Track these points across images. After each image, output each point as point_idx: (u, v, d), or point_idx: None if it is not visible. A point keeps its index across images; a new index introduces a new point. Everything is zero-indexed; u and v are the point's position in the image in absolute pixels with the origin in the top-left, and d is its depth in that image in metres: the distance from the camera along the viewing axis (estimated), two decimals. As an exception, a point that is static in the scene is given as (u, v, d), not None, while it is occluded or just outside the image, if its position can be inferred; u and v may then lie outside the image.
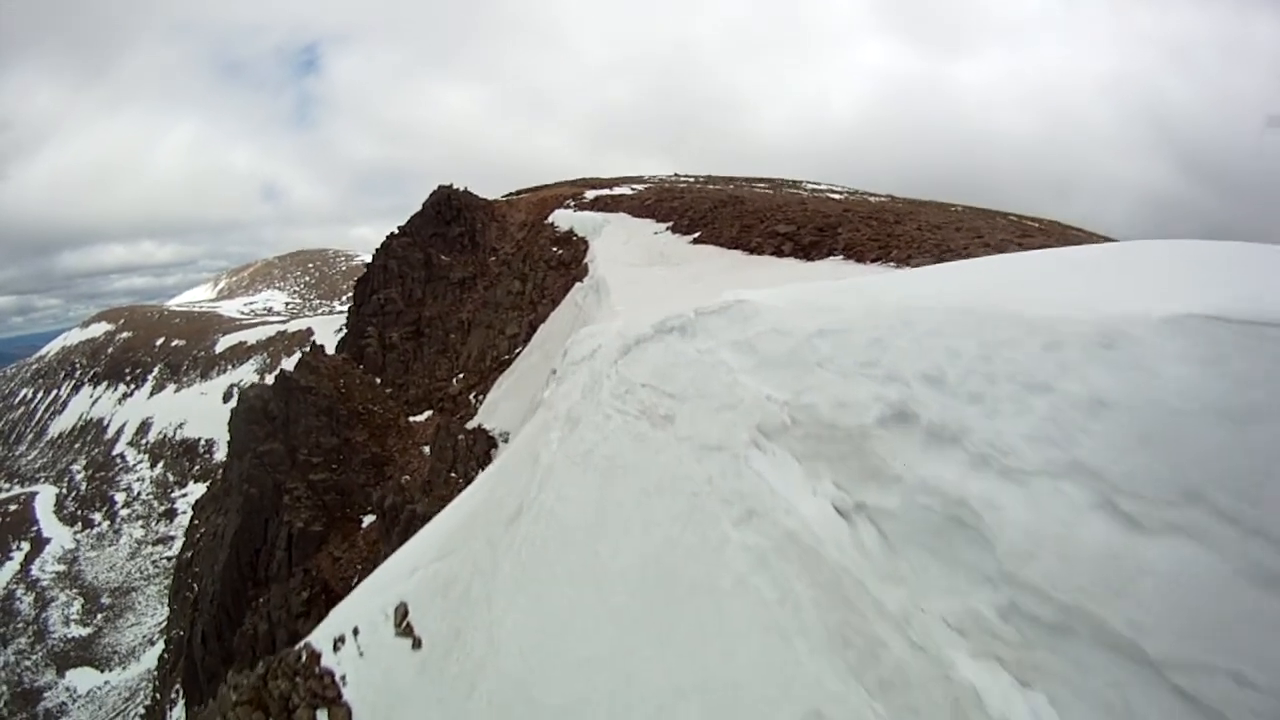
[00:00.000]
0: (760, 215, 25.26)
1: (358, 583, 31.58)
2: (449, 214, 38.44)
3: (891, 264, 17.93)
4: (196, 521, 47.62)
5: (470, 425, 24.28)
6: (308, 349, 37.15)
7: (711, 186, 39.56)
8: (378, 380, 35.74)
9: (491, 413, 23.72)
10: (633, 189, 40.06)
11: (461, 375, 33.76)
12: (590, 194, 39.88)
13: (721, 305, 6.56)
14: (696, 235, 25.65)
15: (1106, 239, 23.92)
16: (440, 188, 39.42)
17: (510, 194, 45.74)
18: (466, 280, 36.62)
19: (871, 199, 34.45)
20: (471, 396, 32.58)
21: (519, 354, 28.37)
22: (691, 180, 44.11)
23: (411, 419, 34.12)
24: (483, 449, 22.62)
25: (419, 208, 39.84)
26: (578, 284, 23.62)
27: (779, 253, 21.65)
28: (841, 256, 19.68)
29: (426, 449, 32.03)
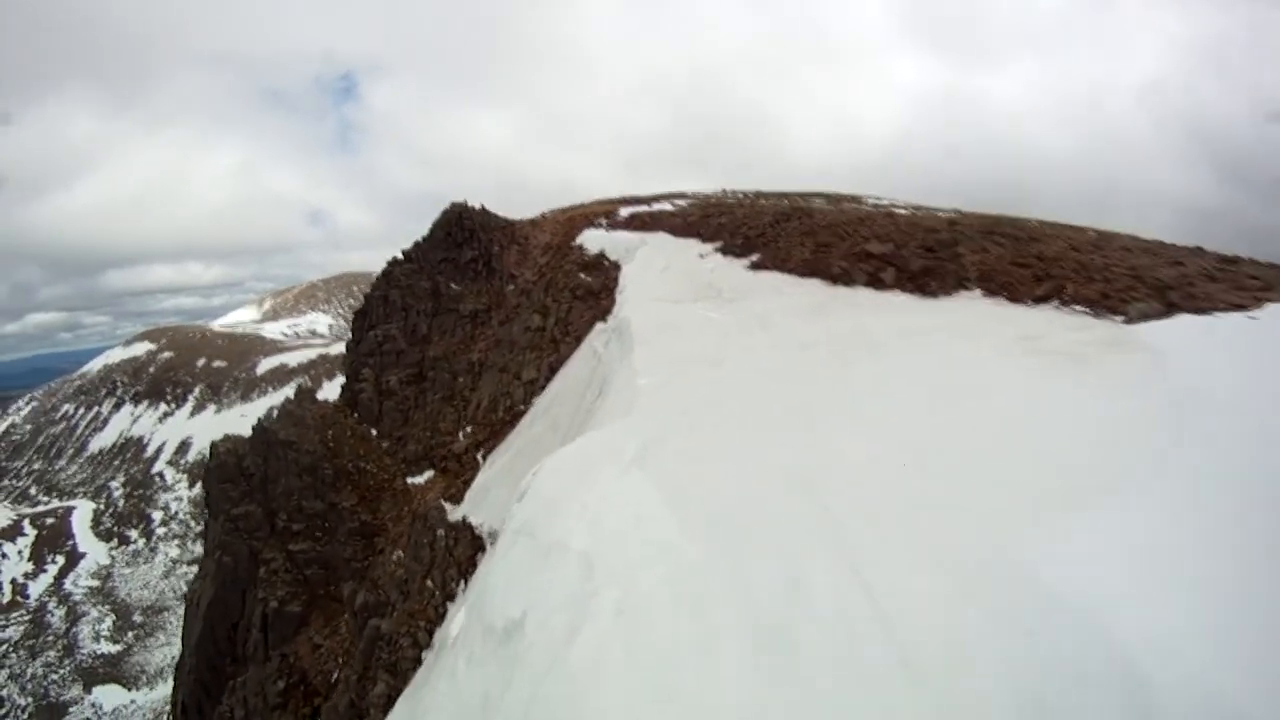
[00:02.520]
0: (839, 231, 18.59)
1: (338, 678, 24.98)
2: (461, 236, 32.34)
3: (1078, 308, 11.27)
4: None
5: (454, 515, 17.94)
6: (293, 393, 31.20)
7: (763, 201, 32.92)
8: (373, 432, 29.65)
9: (480, 500, 17.38)
10: (674, 204, 33.60)
11: (469, 429, 27.48)
12: (625, 211, 33.50)
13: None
14: (755, 259, 19.04)
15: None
16: (453, 205, 33.40)
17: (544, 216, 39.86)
18: (479, 313, 30.43)
19: (941, 214, 27.56)
20: (479, 455, 26.30)
21: (536, 405, 22.01)
22: (740, 195, 37.48)
23: (410, 480, 27.93)
24: (466, 553, 16.22)
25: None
26: (599, 324, 17.21)
27: (876, 283, 14.98)
28: (980, 292, 12.97)
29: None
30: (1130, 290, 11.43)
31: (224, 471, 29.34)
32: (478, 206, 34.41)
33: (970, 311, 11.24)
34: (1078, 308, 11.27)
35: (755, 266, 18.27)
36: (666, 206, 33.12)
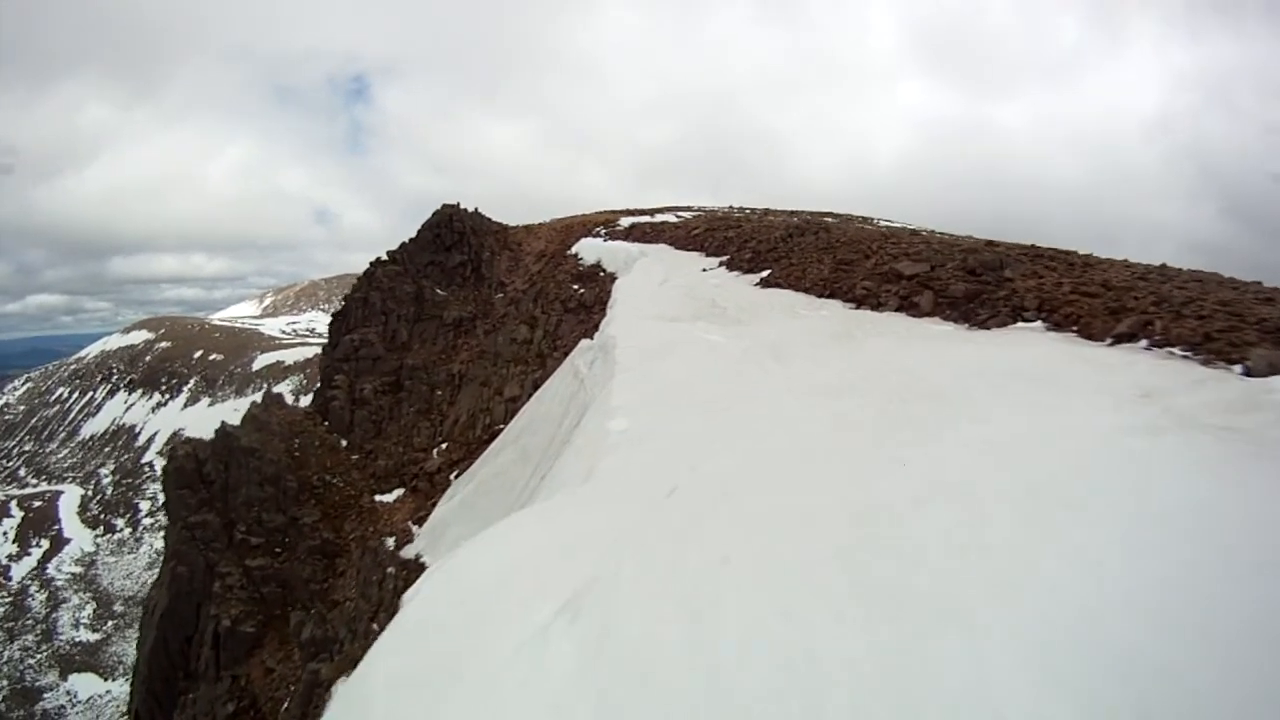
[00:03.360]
0: (862, 248, 16.23)
1: (288, 710, 22.34)
2: (450, 239, 30.02)
3: (1177, 351, 8.94)
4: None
5: (407, 552, 15.49)
6: (260, 396, 28.73)
7: (771, 217, 30.61)
8: (343, 443, 27.16)
9: (436, 537, 14.93)
10: (678, 216, 31.31)
11: (444, 445, 25.08)
12: (626, 221, 31.19)
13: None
14: (765, 275, 16.68)
15: None
16: (444, 206, 31.12)
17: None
18: (464, 321, 28.05)
19: (964, 240, 25.22)
20: (453, 475, 23.88)
21: (508, 428, 19.52)
22: (747, 211, 35.11)
23: (378, 498, 25.42)
24: (417, 596, 13.71)
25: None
26: (584, 341, 14.78)
27: (909, 307, 12.63)
28: (1043, 324, 10.59)
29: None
30: (1234, 331, 9.05)
31: (182, 476, 26.80)
32: (470, 209, 32.12)
33: (1038, 349, 8.79)
34: (1176, 351, 8.88)
35: (765, 284, 15.90)
36: (670, 218, 30.83)
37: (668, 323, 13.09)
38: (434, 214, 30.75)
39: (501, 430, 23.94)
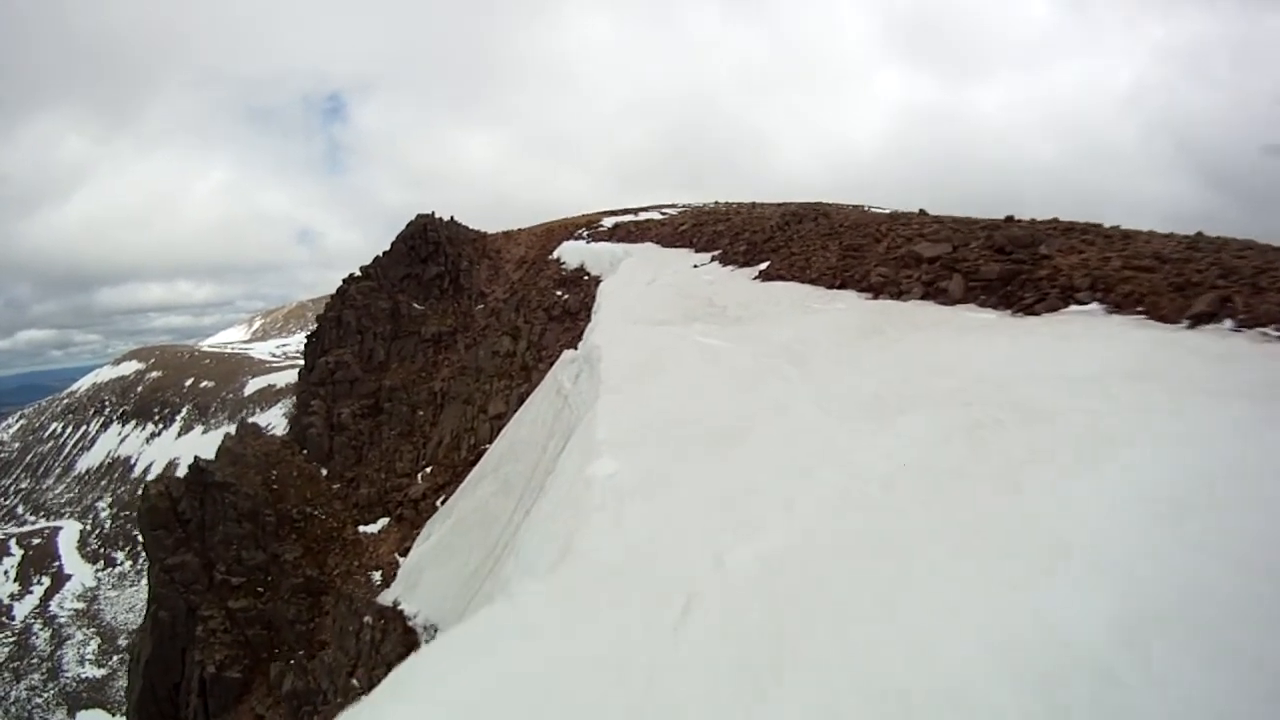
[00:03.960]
0: (870, 231, 14.62)
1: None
2: (425, 250, 28.28)
3: (1272, 332, 7.38)
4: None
5: (385, 598, 13.79)
6: (234, 429, 26.93)
7: (761, 210, 28.96)
8: (323, 472, 25.40)
9: (414, 581, 13.23)
10: (663, 214, 29.67)
11: (429, 469, 23.40)
12: (609, 221, 29.53)
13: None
14: (764, 267, 15.03)
15: None
16: (418, 216, 29.38)
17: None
18: (443, 336, 26.33)
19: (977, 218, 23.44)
20: (439, 501, 22.19)
21: (488, 454, 17.83)
22: (734, 205, 33.43)
23: (362, 529, 23.71)
24: (396, 651, 12.08)
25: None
26: (567, 352, 13.10)
27: (937, 294, 11.02)
28: (1101, 306, 9.01)
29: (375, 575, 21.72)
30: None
31: (155, 516, 24.96)
32: (446, 218, 30.40)
33: (1114, 339, 7.14)
34: (1270, 331, 7.30)
35: (766, 276, 14.24)
36: (655, 216, 29.19)
37: (659, 327, 11.41)
38: (408, 225, 29.01)
39: (487, 448, 22.31)
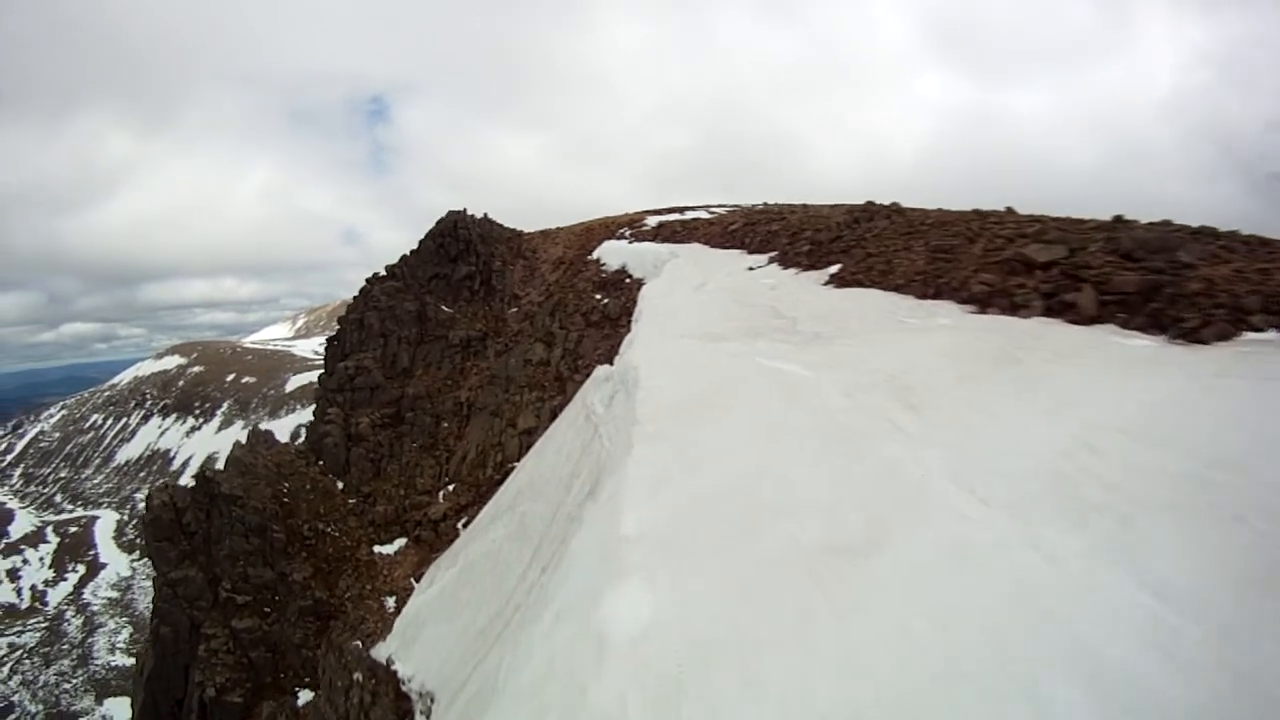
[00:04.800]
0: (960, 230, 12.23)
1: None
2: (455, 249, 26.40)
3: None
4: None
5: (379, 652, 11.75)
6: (245, 436, 25.26)
7: (815, 209, 26.52)
8: (339, 485, 23.59)
9: (411, 638, 11.12)
10: (711, 213, 27.45)
11: (451, 487, 21.48)
12: (653, 220, 27.40)
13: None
14: (835, 270, 12.74)
15: None
16: (449, 213, 27.55)
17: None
18: (472, 341, 24.38)
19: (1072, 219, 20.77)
20: (460, 524, 20.25)
21: (504, 489, 15.71)
22: (783, 205, 30.97)
23: (377, 549, 21.86)
24: (387, 719, 9.99)
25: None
26: (600, 368, 10.90)
27: (1063, 309, 8.67)
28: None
29: (390, 601, 19.85)
30: None
31: (159, 528, 23.40)
32: (479, 215, 28.53)
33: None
34: None
35: (839, 282, 11.96)
36: (702, 215, 26.97)
37: (714, 343, 9.20)
38: (437, 222, 27.18)
39: (515, 466, 20.24)
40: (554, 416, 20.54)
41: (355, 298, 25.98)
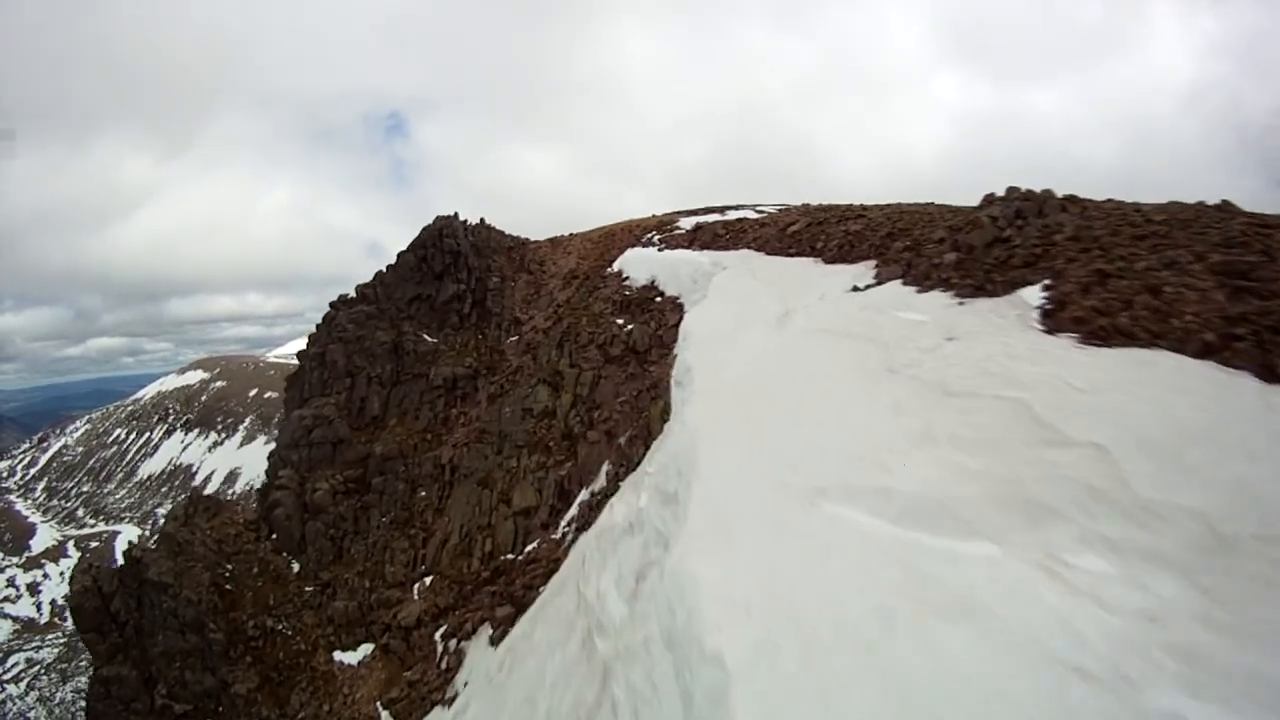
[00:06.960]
0: (1232, 238, 6.48)
1: None
2: (440, 263, 20.96)
3: None
4: None
5: None
6: (181, 500, 20.01)
7: (894, 207, 20.70)
8: (293, 567, 18.31)
9: None
10: (760, 212, 21.79)
11: (428, 580, 16.16)
12: (688, 222, 21.81)
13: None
14: (1045, 303, 7.09)
15: None
16: (437, 219, 22.21)
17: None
18: (459, 381, 19.00)
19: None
20: (437, 634, 14.81)
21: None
22: (827, 206, 25.03)
23: (337, 656, 16.60)
24: None
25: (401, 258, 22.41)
26: (618, 509, 5.32)
27: None
28: None
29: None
30: None
31: (84, 617, 18.31)
32: (475, 222, 23.13)
33: None
34: None
35: (1081, 327, 6.31)
36: (749, 214, 21.33)
37: (923, 554, 3.67)
38: (421, 231, 21.71)
39: (509, 561, 14.77)
40: (560, 490, 15.10)
41: (318, 326, 20.66)
